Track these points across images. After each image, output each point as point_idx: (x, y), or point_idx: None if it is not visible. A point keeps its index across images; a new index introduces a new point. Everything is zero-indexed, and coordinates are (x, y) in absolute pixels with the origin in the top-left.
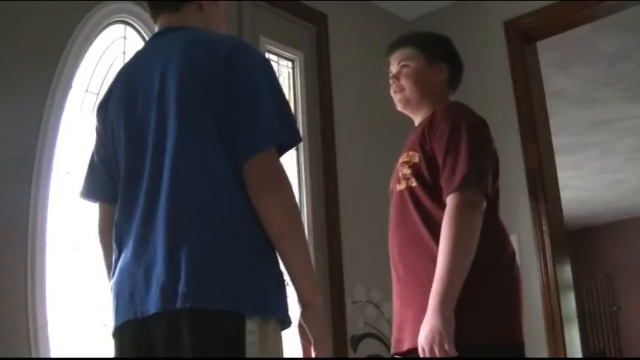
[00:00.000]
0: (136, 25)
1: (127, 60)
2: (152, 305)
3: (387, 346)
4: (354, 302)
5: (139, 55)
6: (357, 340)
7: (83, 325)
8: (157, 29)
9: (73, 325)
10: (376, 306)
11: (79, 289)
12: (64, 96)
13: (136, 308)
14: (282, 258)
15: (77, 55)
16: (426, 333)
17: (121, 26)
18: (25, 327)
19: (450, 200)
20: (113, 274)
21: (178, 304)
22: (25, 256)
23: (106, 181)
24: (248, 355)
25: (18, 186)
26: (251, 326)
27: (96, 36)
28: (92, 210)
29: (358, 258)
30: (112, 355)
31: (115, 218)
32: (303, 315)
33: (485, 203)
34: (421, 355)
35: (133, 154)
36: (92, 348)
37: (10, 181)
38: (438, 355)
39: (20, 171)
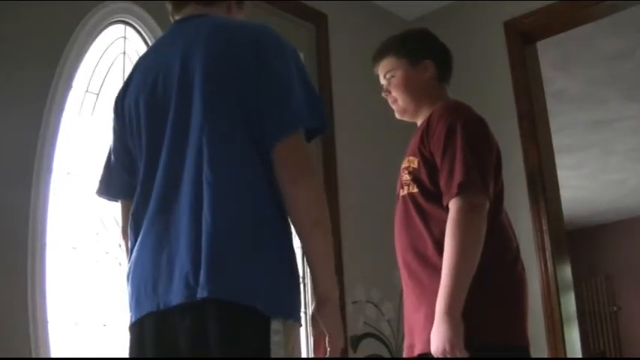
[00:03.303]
0: (136, 25)
1: (143, 52)
2: (175, 296)
3: (387, 346)
4: (354, 302)
5: (158, 43)
6: (357, 340)
7: (83, 325)
8: (176, 18)
9: (73, 325)
10: (376, 306)
11: (79, 289)
12: (64, 96)
13: (158, 300)
14: (307, 250)
15: (77, 55)
16: (436, 343)
17: (121, 26)
18: (25, 327)
19: (452, 205)
20: (130, 264)
21: (199, 294)
22: (25, 256)
23: (125, 179)
24: (273, 355)
25: (18, 186)
26: (276, 325)
27: (96, 36)
28: (92, 209)
29: (358, 258)
30: (113, 352)
31: (133, 208)
32: (319, 309)
33: (488, 204)
34: None
35: (154, 140)
36: (92, 348)
37: (10, 181)
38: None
39: (20, 171)
